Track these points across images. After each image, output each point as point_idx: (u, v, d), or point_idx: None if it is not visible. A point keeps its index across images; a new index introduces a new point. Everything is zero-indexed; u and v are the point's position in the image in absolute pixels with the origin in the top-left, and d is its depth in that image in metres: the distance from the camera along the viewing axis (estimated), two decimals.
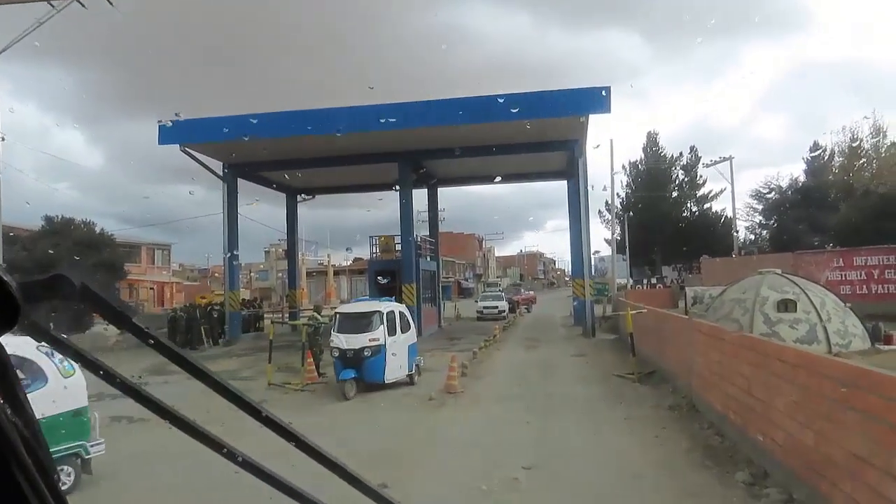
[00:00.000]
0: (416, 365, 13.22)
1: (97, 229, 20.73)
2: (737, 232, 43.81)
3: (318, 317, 15.17)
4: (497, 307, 34.43)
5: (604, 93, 19.61)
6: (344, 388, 11.48)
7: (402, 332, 12.62)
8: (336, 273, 58.61)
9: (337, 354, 11.82)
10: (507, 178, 28.83)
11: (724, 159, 41.94)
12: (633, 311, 13.77)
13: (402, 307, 13.59)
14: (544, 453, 7.50)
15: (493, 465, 7.09)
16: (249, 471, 0.99)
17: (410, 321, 13.48)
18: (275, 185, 28.55)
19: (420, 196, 28.60)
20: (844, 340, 13.88)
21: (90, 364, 0.88)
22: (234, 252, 24.20)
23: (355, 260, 63.38)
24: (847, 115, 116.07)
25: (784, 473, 6.01)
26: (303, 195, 30.85)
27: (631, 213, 54.42)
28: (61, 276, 0.75)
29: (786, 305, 14.58)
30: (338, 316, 12.83)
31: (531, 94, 19.88)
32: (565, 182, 28.11)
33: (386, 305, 12.69)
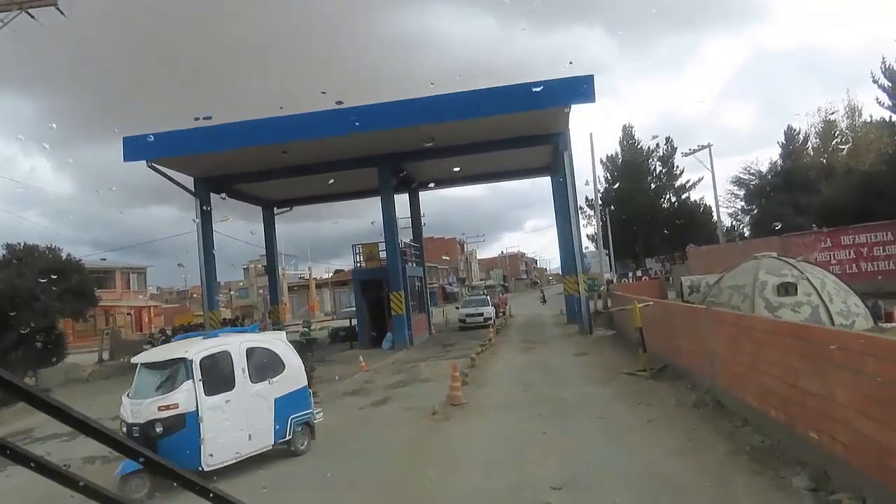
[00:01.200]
0: (307, 423, 8.68)
1: (63, 255, 19.53)
2: (720, 219, 43.67)
3: (309, 331, 14.23)
4: (482, 314, 30.30)
5: (586, 82, 19.02)
6: (126, 487, 6.88)
7: (262, 381, 8.13)
8: (318, 286, 57.51)
9: (125, 430, 7.44)
10: (491, 176, 28.23)
11: (703, 147, 41.83)
12: (641, 305, 13.07)
13: (269, 340, 8.88)
14: (571, 469, 6.73)
15: (519, 488, 6.31)
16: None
17: (288, 359, 8.63)
18: (250, 199, 27.56)
19: (401, 202, 27.83)
20: (848, 321, 13.35)
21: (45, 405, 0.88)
22: (212, 270, 23.12)
23: (336, 272, 62.36)
24: (810, 100, 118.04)
25: (851, 474, 5.31)
26: (279, 208, 29.88)
27: (612, 207, 54.08)
28: None
29: (786, 289, 13.99)
30: (138, 369, 8.14)
31: (513, 86, 19.20)
32: (548, 178, 27.60)
33: (216, 343, 7.99)
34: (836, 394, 5.56)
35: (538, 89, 18.21)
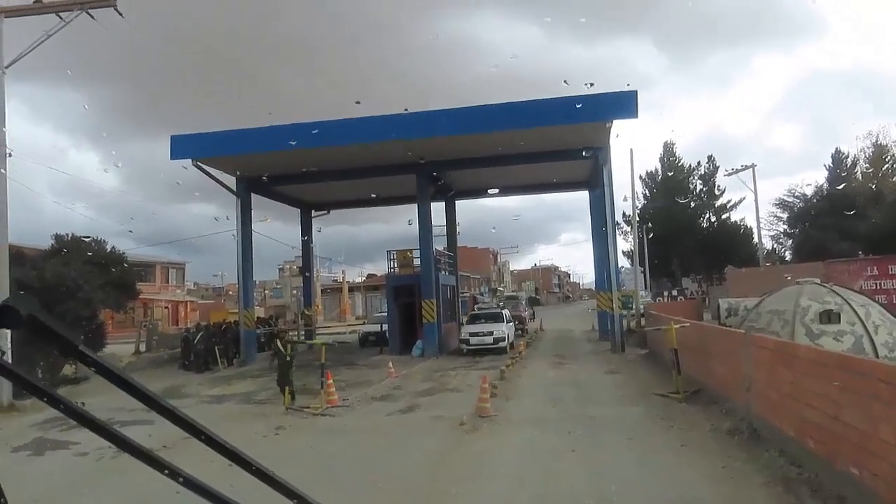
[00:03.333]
0: None
1: (108, 247, 20.13)
2: (761, 242, 42.68)
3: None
4: (492, 334, 21.38)
5: (629, 98, 18.87)
6: None
7: None
8: (350, 289, 57.98)
9: None
10: (528, 188, 28.11)
11: (746, 167, 41.00)
12: (677, 325, 12.84)
13: None
14: (602, 490, 6.63)
15: None
16: (192, 490, 1.00)
17: None
18: (289, 201, 27.99)
19: (437, 209, 27.90)
20: (893, 353, 12.94)
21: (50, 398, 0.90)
22: (249, 268, 23.52)
23: (368, 276, 62.83)
24: (861, 123, 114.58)
25: None
26: (316, 211, 30.28)
27: (649, 224, 53.33)
28: (7, 306, 0.78)
29: (829, 317, 13.60)
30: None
31: (555, 99, 19.16)
32: (586, 192, 27.42)
33: None
34: (880, 430, 5.38)
35: (580, 104, 18.14)
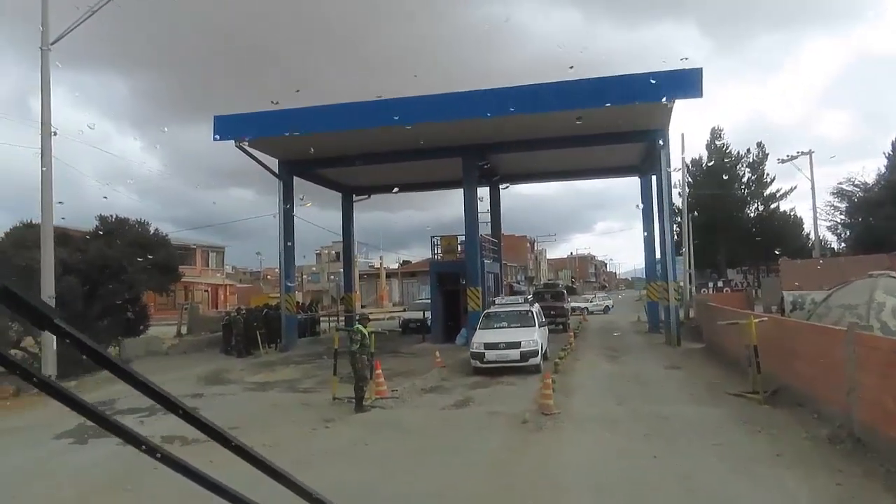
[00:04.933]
0: None
1: (151, 230, 19.89)
2: (817, 232, 40.71)
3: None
4: (519, 345, 14.61)
5: (694, 76, 17.71)
6: None
7: None
8: (387, 276, 57.66)
9: None
10: (575, 174, 27.05)
11: (802, 154, 39.05)
12: (756, 320, 11.85)
13: None
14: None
15: None
16: (171, 466, 1.00)
17: None
18: (330, 185, 27.48)
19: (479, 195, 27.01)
20: None
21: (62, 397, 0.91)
22: (291, 252, 23.09)
23: (404, 263, 62.39)
24: None
25: None
26: (357, 195, 29.72)
27: (695, 213, 51.49)
28: None
29: None
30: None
31: (613, 78, 18.15)
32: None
33: None
34: None
35: (641, 81, 17.07)
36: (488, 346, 14.69)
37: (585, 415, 10.05)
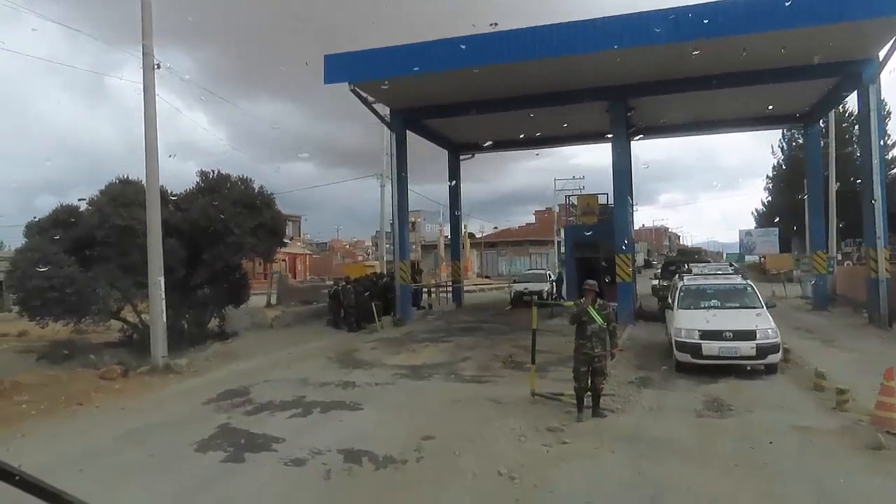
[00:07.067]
0: None
1: (256, 188, 17.44)
2: None
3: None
4: (754, 335, 10.37)
5: None
6: None
7: None
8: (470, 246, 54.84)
9: None
10: (728, 124, 23.04)
11: None
12: None
13: None
14: None
15: None
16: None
17: None
18: (438, 139, 24.55)
19: (594, 153, 23.45)
20: None
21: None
22: (405, 214, 20.34)
23: (469, 235, 59.24)
24: None
25: None
26: (463, 154, 26.72)
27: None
28: None
29: None
30: None
31: None
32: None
33: None
34: None
35: None
36: (706, 336, 10.41)
37: None
